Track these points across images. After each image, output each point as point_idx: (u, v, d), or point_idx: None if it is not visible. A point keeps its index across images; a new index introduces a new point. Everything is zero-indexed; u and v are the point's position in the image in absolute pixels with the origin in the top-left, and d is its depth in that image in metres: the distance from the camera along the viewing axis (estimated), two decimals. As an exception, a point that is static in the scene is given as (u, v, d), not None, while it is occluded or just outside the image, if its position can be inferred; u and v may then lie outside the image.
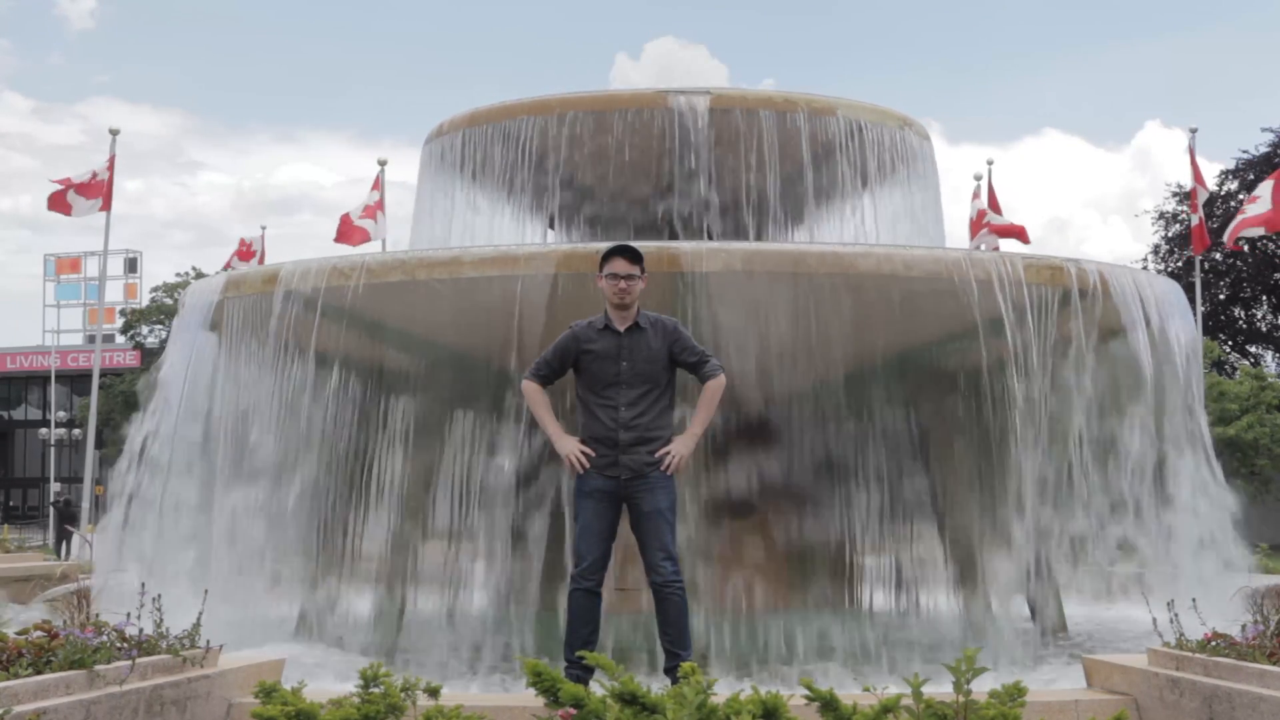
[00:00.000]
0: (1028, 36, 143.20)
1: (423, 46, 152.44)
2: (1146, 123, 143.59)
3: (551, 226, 12.93)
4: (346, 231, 27.81)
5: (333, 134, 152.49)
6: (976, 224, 26.16)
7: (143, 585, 7.12)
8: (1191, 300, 21.01)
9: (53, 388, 59.84)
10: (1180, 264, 42.27)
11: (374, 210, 28.09)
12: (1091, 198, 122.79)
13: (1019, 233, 26.22)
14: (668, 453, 6.88)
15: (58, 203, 26.39)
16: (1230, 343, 44.84)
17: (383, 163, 28.98)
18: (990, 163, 27.82)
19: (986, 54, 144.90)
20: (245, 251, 30.93)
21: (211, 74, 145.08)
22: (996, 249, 23.18)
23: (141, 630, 6.63)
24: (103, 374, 35.79)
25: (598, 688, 5.12)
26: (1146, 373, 9.72)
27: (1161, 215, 45.23)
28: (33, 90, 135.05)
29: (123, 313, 65.28)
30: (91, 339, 59.58)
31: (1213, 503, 10.27)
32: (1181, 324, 10.27)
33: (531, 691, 5.21)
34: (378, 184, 28.51)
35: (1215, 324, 42.64)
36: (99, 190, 26.37)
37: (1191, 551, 10.10)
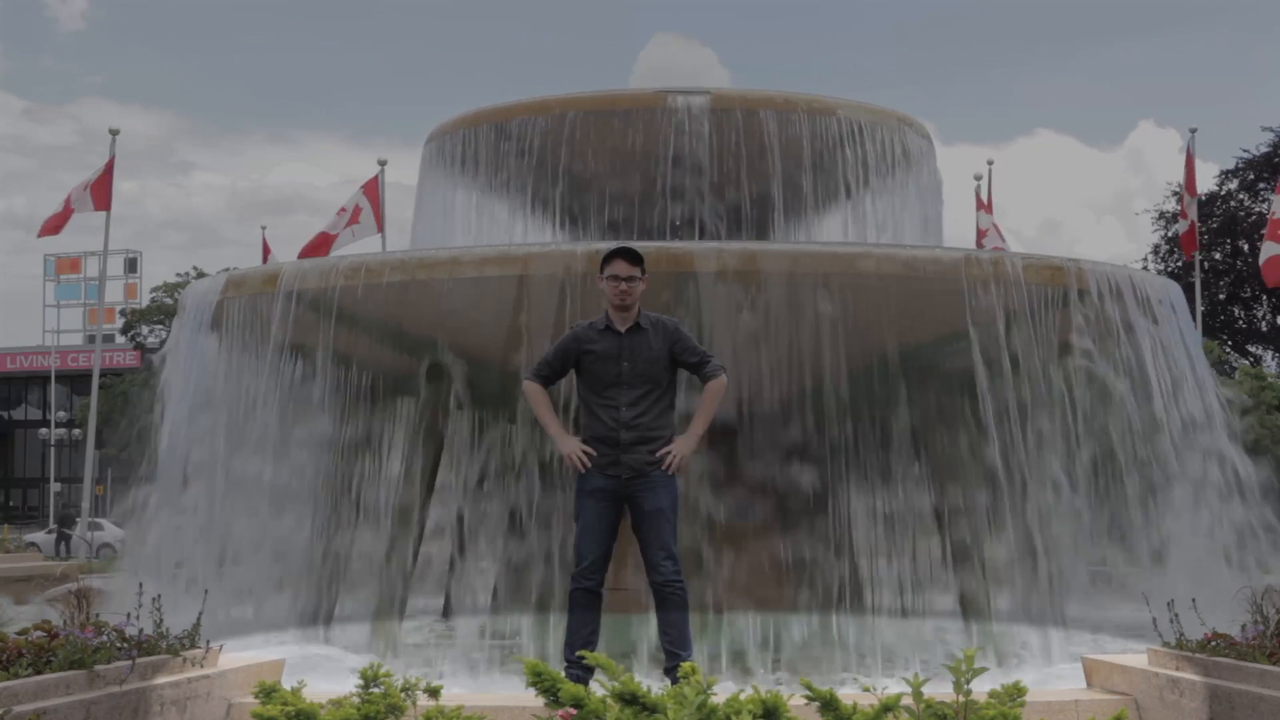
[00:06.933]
0: (1020, 35, 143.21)
1: (417, 46, 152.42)
2: (1140, 122, 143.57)
3: (552, 226, 12.93)
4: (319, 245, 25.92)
5: (327, 134, 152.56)
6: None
7: (141, 585, 7.12)
8: (1191, 300, 20.87)
9: (53, 388, 59.91)
10: (1180, 264, 42.20)
11: (357, 215, 27.04)
12: (1085, 198, 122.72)
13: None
14: (669, 452, 6.89)
15: (49, 228, 25.98)
16: (1230, 343, 44.79)
17: (382, 163, 28.82)
18: (990, 163, 27.53)
19: (979, 53, 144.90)
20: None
21: (203, 74, 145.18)
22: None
23: (141, 630, 6.62)
24: (103, 374, 35.71)
25: (598, 688, 5.11)
26: (1149, 373, 9.72)
27: (1161, 215, 45.21)
28: (24, 91, 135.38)
29: (123, 313, 65.34)
30: (91, 339, 59.51)
31: (1225, 503, 10.24)
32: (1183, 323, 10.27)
33: (531, 691, 5.19)
34: (375, 184, 28.31)
35: (1215, 324, 42.61)
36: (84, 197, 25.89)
37: (1195, 550, 10.08)
